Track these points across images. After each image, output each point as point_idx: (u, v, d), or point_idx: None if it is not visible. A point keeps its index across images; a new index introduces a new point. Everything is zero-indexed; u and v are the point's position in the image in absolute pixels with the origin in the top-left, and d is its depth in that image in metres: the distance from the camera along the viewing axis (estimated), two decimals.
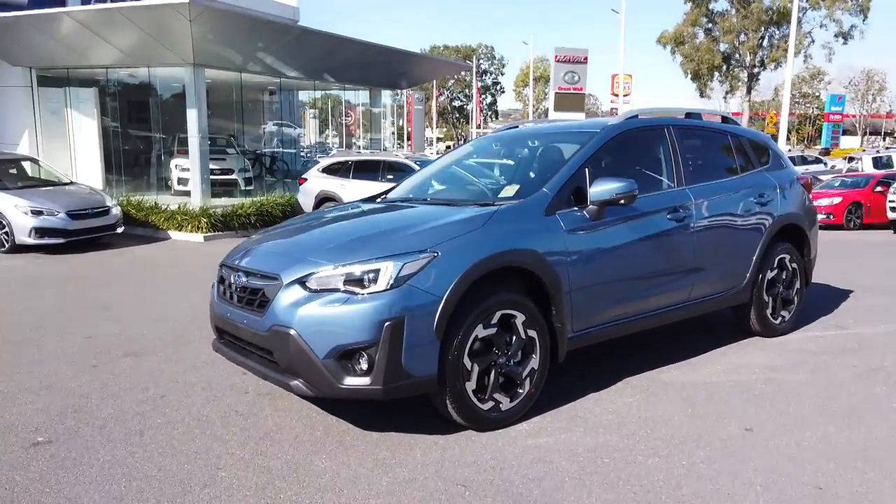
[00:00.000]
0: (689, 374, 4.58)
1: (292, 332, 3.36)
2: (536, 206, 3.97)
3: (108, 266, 9.79)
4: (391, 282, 3.35)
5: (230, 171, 17.12)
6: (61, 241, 10.88)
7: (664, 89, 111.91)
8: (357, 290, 3.35)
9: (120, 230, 11.98)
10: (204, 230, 12.52)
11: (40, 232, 10.65)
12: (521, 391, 3.79)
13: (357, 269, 3.39)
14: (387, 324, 3.28)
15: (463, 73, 66.23)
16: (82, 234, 11.19)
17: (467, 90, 72.77)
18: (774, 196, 5.35)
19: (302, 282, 3.45)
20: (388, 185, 6.40)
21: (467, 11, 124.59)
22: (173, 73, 15.07)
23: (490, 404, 3.67)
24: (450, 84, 73.87)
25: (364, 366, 3.33)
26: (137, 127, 17.86)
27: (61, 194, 11.76)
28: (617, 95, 36.82)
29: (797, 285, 5.59)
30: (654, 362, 4.77)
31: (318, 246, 3.75)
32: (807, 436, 3.60)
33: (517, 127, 5.59)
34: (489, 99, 78.67)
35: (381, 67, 18.94)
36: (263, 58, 15.38)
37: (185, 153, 15.17)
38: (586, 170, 4.20)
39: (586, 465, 3.28)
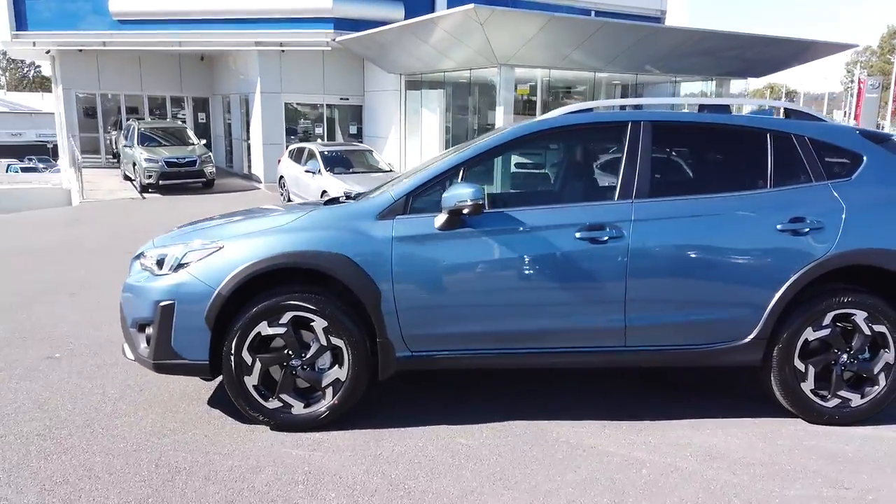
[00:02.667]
0: (617, 440, 3.62)
1: (120, 300, 3.88)
2: (370, 210, 3.67)
3: None
4: (172, 267, 3.60)
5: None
6: None
7: None
8: (155, 270, 3.69)
9: None
10: None
11: None
12: (322, 399, 3.62)
13: (160, 252, 3.72)
14: (160, 304, 3.55)
15: None
16: None
17: None
18: (833, 222, 3.69)
19: (138, 258, 3.92)
20: None
21: None
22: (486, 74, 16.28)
23: (277, 404, 3.61)
24: None
25: (146, 340, 3.66)
26: (461, 123, 19.59)
27: (377, 181, 14.01)
28: None
29: (886, 358, 3.77)
30: (575, 411, 3.88)
31: (182, 232, 4.13)
32: None
33: None
34: None
35: (717, 56, 17.18)
36: (569, 54, 15.47)
37: None
38: (460, 172, 3.69)
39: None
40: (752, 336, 3.71)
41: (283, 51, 19.64)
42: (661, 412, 3.93)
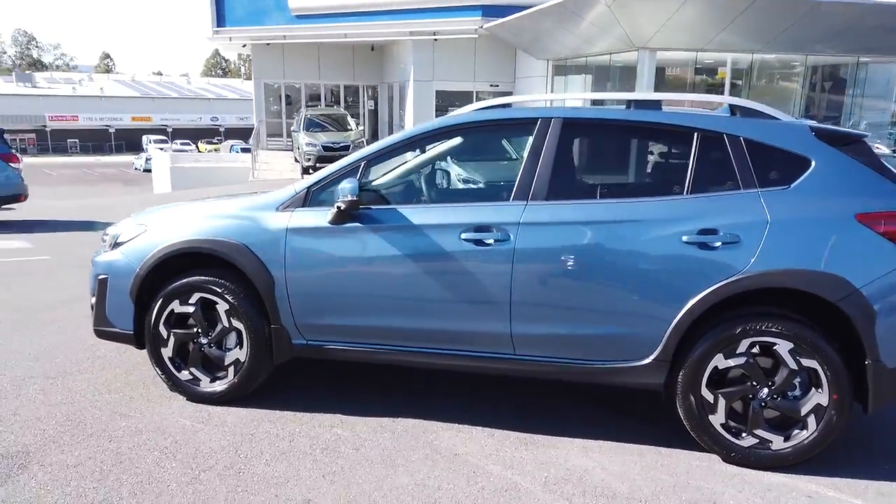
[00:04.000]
0: (489, 450, 3.51)
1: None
2: (273, 202, 3.83)
3: None
4: (111, 245, 4.06)
5: None
6: None
7: None
8: (104, 247, 4.17)
9: None
10: None
11: None
12: (223, 375, 3.89)
13: (112, 231, 4.19)
14: (98, 277, 4.03)
15: None
16: None
17: None
18: (753, 236, 3.20)
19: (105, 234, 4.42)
20: None
21: None
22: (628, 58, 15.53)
23: (188, 376, 3.94)
24: None
25: (91, 308, 4.16)
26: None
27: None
28: None
29: (814, 399, 3.22)
30: (477, 417, 3.76)
31: (139, 212, 4.53)
32: None
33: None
34: None
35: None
36: (715, 36, 14.26)
37: None
38: (360, 168, 3.73)
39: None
40: (652, 357, 3.36)
41: (435, 39, 20.21)
42: (565, 428, 3.69)
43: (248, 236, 3.77)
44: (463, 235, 3.49)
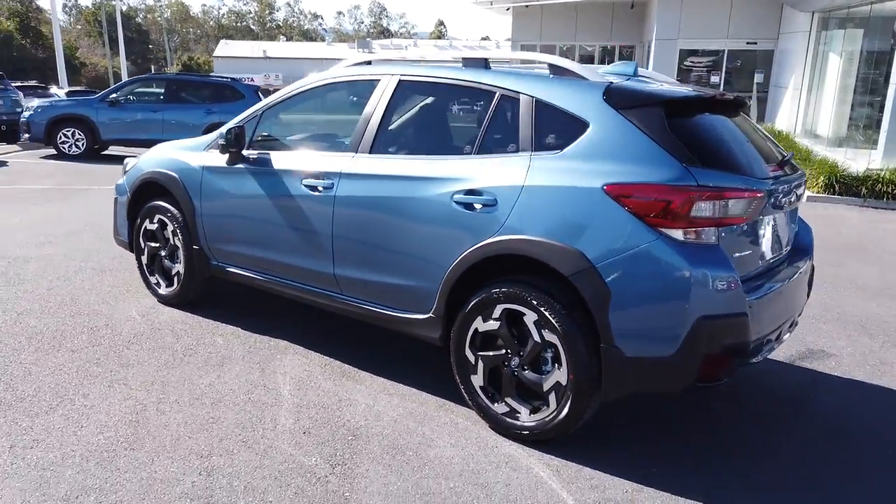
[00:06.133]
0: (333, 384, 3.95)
1: None
2: (203, 144, 4.59)
3: None
4: (123, 172, 5.21)
5: None
6: None
7: None
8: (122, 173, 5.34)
9: None
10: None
11: None
12: (173, 282, 4.84)
13: (128, 161, 5.33)
14: (114, 197, 5.24)
15: None
16: None
17: None
18: (507, 201, 3.07)
19: None
20: None
21: None
22: None
23: (154, 280, 4.97)
24: None
25: None
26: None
27: None
28: None
29: (555, 376, 3.03)
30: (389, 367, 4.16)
31: None
32: None
33: None
34: None
35: None
36: None
37: None
38: (259, 117, 4.31)
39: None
40: (431, 312, 3.45)
41: None
42: (382, 369, 3.93)
43: (181, 171, 4.61)
44: (303, 181, 3.89)
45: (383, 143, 3.71)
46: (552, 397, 3.08)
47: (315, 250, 3.90)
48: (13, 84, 18.32)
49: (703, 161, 2.87)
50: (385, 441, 3.18)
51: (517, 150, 3.21)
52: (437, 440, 3.21)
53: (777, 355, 4.26)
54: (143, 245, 4.99)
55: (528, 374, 3.15)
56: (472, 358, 3.32)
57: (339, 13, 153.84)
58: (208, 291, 4.95)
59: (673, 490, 2.86)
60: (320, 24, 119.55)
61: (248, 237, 4.28)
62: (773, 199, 3.08)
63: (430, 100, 3.73)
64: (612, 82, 3.16)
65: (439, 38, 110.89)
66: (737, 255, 2.95)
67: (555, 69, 3.38)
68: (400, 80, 3.73)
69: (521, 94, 3.27)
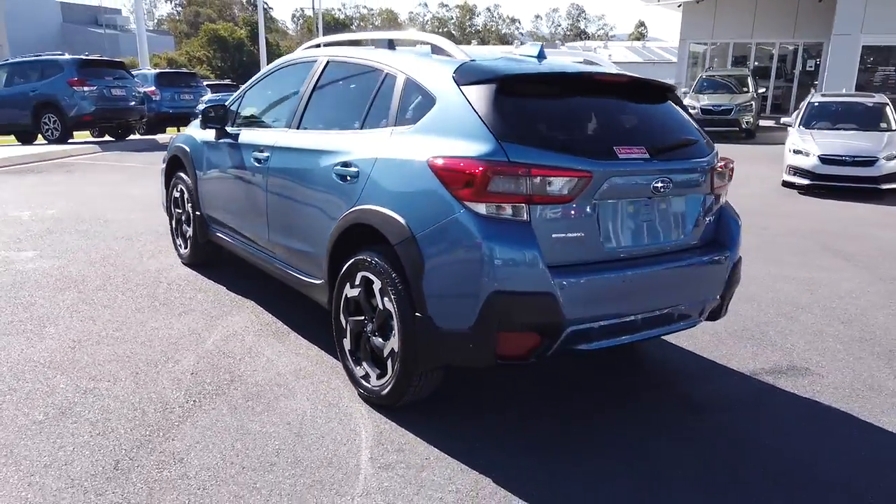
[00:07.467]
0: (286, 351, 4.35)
1: None
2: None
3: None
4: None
5: None
6: (805, 182, 11.51)
7: None
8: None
9: (885, 186, 11.11)
10: None
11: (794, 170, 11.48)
12: (186, 244, 5.48)
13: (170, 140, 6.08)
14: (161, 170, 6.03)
15: None
16: (831, 179, 11.32)
17: None
18: (365, 173, 3.22)
19: None
20: None
21: None
22: None
23: (179, 242, 5.66)
24: None
25: None
26: None
27: (840, 138, 11.87)
28: None
29: (392, 343, 3.11)
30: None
31: None
32: None
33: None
34: None
35: None
36: None
37: None
38: (242, 98, 4.79)
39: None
40: (322, 278, 3.68)
41: None
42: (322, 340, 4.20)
43: (191, 146, 5.22)
44: (253, 154, 4.29)
45: (307, 119, 3.98)
46: (389, 364, 3.17)
47: (258, 217, 4.28)
48: (204, 83, 21.17)
49: (525, 139, 2.82)
50: (252, 388, 3.46)
51: (385, 125, 3.34)
52: (299, 394, 3.43)
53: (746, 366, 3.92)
54: (171, 211, 5.70)
55: (375, 339, 3.27)
56: (343, 322, 3.50)
57: (537, 16, 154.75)
58: (223, 257, 5.50)
59: (470, 463, 2.85)
60: (517, 28, 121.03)
61: (223, 204, 4.78)
62: (626, 183, 2.93)
63: (344, 78, 3.94)
64: (466, 61, 3.19)
65: (638, 39, 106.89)
66: (561, 234, 2.84)
67: (435, 49, 3.46)
68: (328, 61, 4.00)
69: (398, 73, 3.40)
